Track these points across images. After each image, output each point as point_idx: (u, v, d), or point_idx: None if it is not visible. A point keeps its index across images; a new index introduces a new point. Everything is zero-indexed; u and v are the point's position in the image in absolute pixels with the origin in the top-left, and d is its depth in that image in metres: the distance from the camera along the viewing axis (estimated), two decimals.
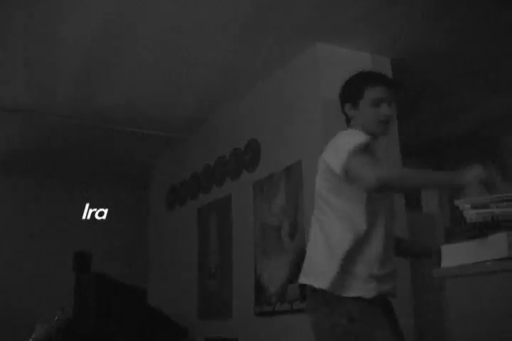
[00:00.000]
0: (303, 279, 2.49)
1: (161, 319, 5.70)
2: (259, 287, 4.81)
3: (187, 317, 5.93)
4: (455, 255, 1.97)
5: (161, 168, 7.48)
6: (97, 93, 5.36)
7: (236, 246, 5.32)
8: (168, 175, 7.15)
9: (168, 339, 5.64)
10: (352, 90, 2.56)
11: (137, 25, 4.18)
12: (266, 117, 5.06)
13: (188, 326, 5.82)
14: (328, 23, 4.17)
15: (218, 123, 5.92)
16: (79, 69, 4.86)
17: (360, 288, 2.35)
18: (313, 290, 2.41)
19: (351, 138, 2.38)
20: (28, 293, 7.27)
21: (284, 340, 4.38)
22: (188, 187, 6.48)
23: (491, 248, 1.82)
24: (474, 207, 1.93)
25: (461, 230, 2.00)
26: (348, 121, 2.60)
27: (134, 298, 5.58)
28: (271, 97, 5.02)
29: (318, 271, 2.42)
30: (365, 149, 2.32)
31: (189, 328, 5.82)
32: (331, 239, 2.42)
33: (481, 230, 1.88)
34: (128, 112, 5.86)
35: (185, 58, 4.72)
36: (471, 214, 1.92)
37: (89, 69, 4.87)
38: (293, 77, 4.72)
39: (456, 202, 1.98)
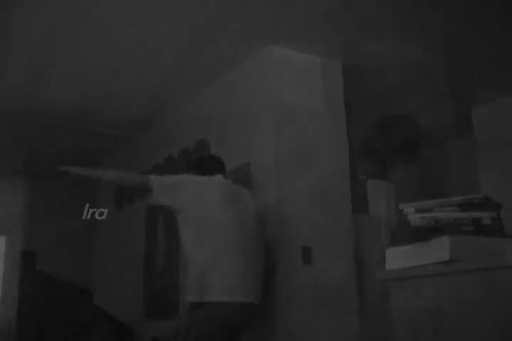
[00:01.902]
0: None
1: (106, 319, 5.66)
2: None
3: (133, 317, 5.88)
4: (399, 258, 2.01)
5: (109, 166, 7.38)
6: (46, 90, 5.27)
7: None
8: None
9: (113, 339, 5.60)
10: None
11: (86, 23, 4.12)
12: (216, 118, 5.04)
13: (134, 326, 5.78)
14: (281, 26, 4.18)
15: (168, 122, 5.89)
16: (26, 66, 4.77)
17: None
18: None
19: None
20: None
21: None
22: None
23: (434, 251, 1.86)
24: (418, 211, 1.97)
25: (405, 233, 2.04)
26: None
27: (78, 297, 5.52)
28: (222, 98, 5.02)
29: None
30: None
31: (135, 328, 5.78)
32: None
33: (424, 234, 1.92)
34: (77, 110, 5.78)
35: (136, 57, 4.68)
36: (415, 218, 1.96)
37: (37, 66, 4.78)
38: (244, 78, 4.72)
39: (401, 206, 2.02)
